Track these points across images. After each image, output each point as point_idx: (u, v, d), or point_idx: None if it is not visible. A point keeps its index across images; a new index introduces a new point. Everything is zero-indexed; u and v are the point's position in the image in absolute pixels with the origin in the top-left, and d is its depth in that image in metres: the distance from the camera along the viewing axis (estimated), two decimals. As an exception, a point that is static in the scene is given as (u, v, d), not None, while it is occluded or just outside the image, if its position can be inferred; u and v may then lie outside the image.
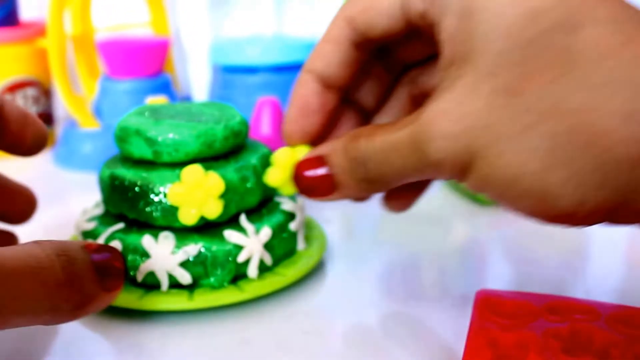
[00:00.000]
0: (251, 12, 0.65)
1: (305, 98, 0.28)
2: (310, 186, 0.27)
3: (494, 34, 0.21)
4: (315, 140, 0.29)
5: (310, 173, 0.27)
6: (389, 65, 0.30)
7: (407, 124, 0.23)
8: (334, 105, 0.28)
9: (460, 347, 0.25)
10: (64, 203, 0.42)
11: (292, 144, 0.28)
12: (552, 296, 0.27)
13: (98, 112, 0.50)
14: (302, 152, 0.28)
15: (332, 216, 0.39)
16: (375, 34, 0.26)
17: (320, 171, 0.26)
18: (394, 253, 0.35)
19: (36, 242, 0.22)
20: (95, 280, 0.23)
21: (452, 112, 0.22)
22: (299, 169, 0.27)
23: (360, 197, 0.28)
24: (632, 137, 0.19)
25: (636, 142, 0.19)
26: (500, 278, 0.32)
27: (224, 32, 0.65)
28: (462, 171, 0.23)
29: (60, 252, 0.22)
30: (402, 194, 0.30)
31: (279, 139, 0.44)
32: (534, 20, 0.21)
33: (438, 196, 0.41)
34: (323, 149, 0.27)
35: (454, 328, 0.27)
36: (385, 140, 0.24)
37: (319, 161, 0.26)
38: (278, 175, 0.28)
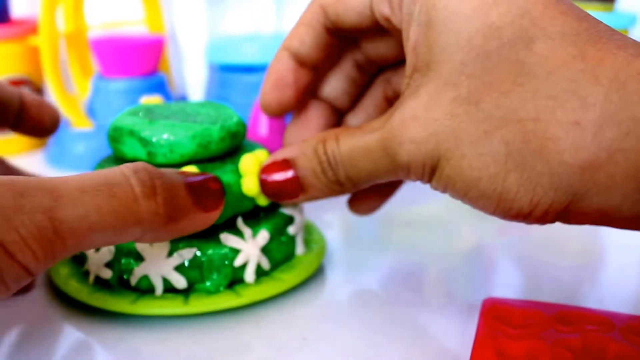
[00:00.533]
0: (250, 9, 0.66)
1: (280, 72, 0.30)
2: (277, 189, 0.29)
3: (456, 46, 0.24)
4: (289, 111, 0.31)
5: (278, 176, 0.28)
6: (363, 67, 0.31)
7: (376, 128, 0.26)
8: (307, 82, 0.31)
9: (465, 357, 0.25)
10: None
11: (269, 114, 0.31)
12: (563, 305, 0.27)
13: (91, 111, 0.50)
14: (263, 156, 0.30)
15: (332, 220, 0.39)
16: (345, 26, 0.29)
17: (288, 174, 0.28)
18: (396, 259, 0.35)
19: (124, 165, 0.23)
20: (186, 196, 0.24)
21: (419, 118, 0.24)
22: (264, 172, 0.29)
23: (327, 197, 0.30)
24: (578, 144, 0.22)
25: (582, 149, 0.22)
26: (508, 286, 0.32)
27: (221, 30, 0.65)
28: (429, 173, 0.25)
29: (140, 169, 0.23)
30: (368, 197, 0.32)
31: (278, 140, 0.44)
32: (493, 34, 0.23)
33: (443, 199, 0.41)
34: (288, 152, 0.28)
35: (460, 337, 0.27)
36: (355, 143, 0.26)
37: (285, 164, 0.28)
38: (254, 183, 0.29)
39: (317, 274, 0.32)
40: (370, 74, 0.32)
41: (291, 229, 0.31)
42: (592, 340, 0.24)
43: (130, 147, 0.29)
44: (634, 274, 0.34)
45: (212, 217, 0.26)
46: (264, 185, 0.29)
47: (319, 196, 0.29)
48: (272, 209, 0.31)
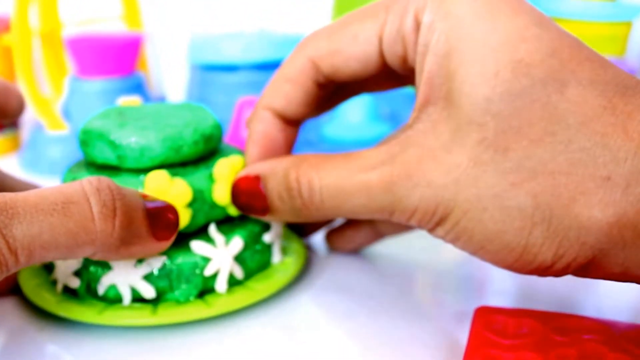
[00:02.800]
0: (233, 6, 0.66)
1: (269, 136, 0.30)
2: (246, 205, 0.29)
3: (481, 77, 0.23)
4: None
5: (248, 192, 0.29)
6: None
7: (379, 162, 0.25)
8: (295, 136, 0.31)
9: (453, 368, 0.26)
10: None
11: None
12: (558, 314, 0.27)
13: (66, 114, 0.51)
14: (240, 162, 0.30)
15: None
16: (343, 77, 0.29)
17: (258, 191, 0.29)
18: (383, 266, 0.35)
19: (87, 179, 0.24)
20: (143, 222, 0.25)
21: (439, 160, 0.24)
22: (236, 185, 0.29)
23: (293, 222, 0.31)
24: (608, 199, 0.22)
25: (610, 204, 0.22)
26: (501, 293, 0.32)
27: (202, 28, 0.66)
28: (436, 221, 0.25)
29: (104, 188, 0.24)
30: (358, 237, 0.34)
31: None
32: (522, 71, 0.23)
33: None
34: (260, 168, 0.29)
35: (450, 348, 0.27)
36: (347, 177, 0.26)
37: (256, 181, 0.29)
38: (226, 191, 0.30)
39: (296, 283, 0.33)
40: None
41: (267, 237, 0.31)
42: (589, 350, 0.24)
43: (100, 151, 0.30)
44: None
45: (162, 246, 0.27)
46: (234, 197, 0.30)
47: (284, 219, 0.29)
48: (247, 215, 0.32)
